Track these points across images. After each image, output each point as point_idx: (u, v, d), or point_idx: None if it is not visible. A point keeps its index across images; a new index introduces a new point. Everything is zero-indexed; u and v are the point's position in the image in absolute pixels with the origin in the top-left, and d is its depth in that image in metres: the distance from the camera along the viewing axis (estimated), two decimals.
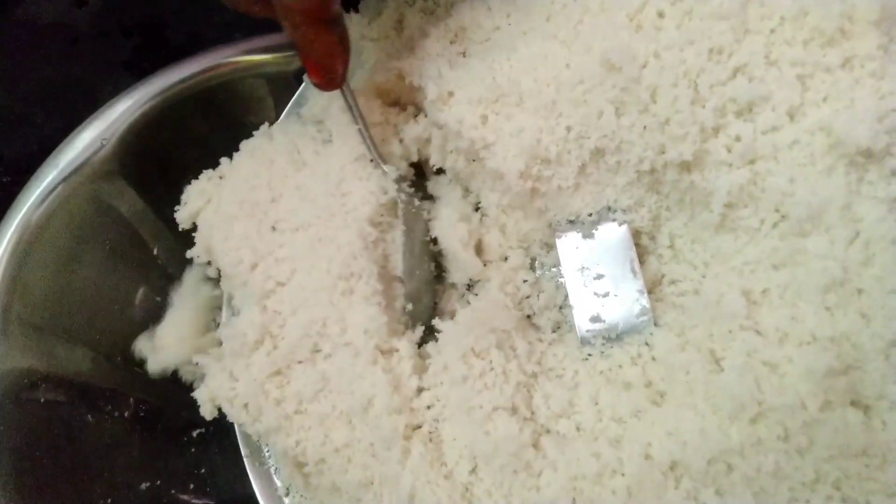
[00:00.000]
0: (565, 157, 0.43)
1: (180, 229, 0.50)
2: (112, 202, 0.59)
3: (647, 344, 0.43)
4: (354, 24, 0.52)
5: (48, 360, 0.54)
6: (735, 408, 0.37)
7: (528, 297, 0.48)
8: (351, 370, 0.43)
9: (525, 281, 0.48)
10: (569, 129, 0.43)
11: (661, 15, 0.41)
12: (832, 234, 0.38)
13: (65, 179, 0.55)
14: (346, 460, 0.43)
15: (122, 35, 0.65)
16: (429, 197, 0.52)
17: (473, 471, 0.41)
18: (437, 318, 0.47)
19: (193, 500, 0.57)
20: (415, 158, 0.51)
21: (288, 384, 0.44)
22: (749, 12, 0.40)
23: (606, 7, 0.43)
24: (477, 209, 0.51)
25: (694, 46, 0.40)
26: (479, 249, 0.50)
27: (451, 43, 0.48)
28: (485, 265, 0.49)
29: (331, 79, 0.42)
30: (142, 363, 0.55)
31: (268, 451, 0.49)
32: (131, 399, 0.59)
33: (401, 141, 0.50)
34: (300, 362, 0.44)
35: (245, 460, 0.49)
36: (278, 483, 0.48)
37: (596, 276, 0.44)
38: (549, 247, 0.48)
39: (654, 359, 0.42)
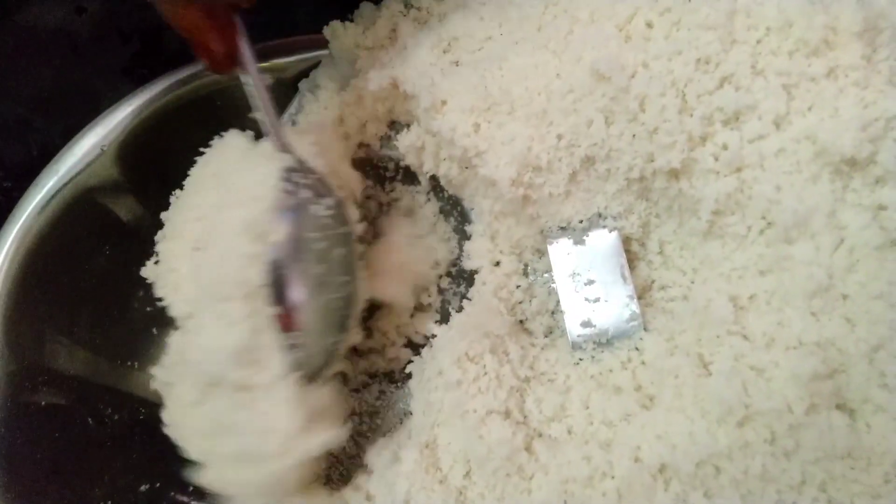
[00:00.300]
0: (556, 164, 0.44)
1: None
2: (111, 207, 0.60)
3: (636, 349, 0.43)
4: (349, 33, 0.53)
5: (48, 363, 0.55)
6: (723, 411, 0.38)
7: (520, 303, 0.48)
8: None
9: (518, 287, 0.49)
10: (559, 137, 0.43)
11: (649, 25, 0.42)
12: (817, 240, 0.38)
13: (65, 185, 0.56)
14: None
15: (121, 41, 0.65)
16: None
17: (467, 475, 0.42)
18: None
19: (193, 503, 0.58)
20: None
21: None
22: (736, 23, 0.40)
23: (596, 18, 0.43)
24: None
25: (682, 56, 0.40)
26: (469, 253, 0.50)
27: (444, 52, 0.49)
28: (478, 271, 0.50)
29: (212, 59, 0.40)
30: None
31: None
32: (131, 402, 0.59)
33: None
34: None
35: None
36: None
37: (587, 282, 0.45)
38: (541, 253, 0.48)
39: (643, 363, 0.43)
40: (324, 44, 0.55)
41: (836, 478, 0.38)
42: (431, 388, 0.44)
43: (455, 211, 0.53)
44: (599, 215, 0.46)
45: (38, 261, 0.55)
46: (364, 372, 0.54)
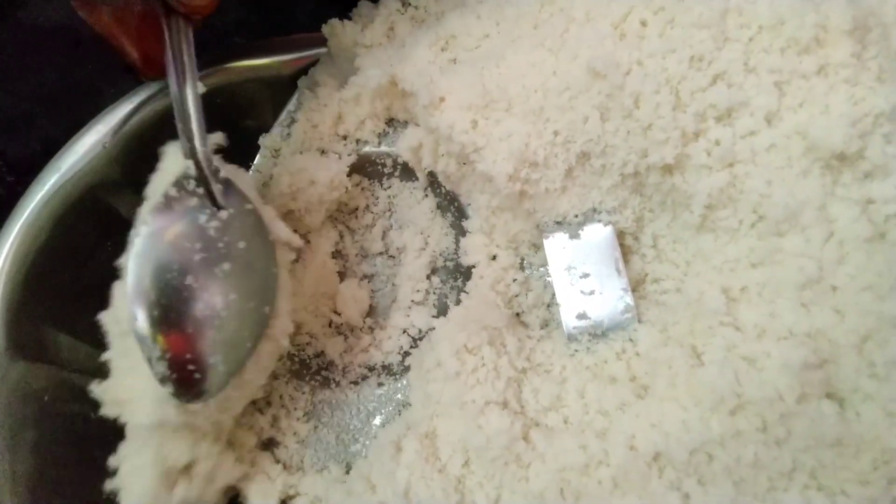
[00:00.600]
0: (552, 160, 0.45)
1: None
2: (114, 203, 0.60)
3: (631, 340, 0.44)
4: (348, 31, 0.54)
5: (51, 358, 0.55)
6: (715, 400, 0.39)
7: (517, 296, 0.49)
8: None
9: (514, 280, 0.49)
10: (556, 133, 0.44)
11: (643, 24, 0.43)
12: (808, 233, 0.39)
13: (67, 181, 0.56)
14: None
15: None
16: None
17: (466, 464, 0.43)
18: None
19: None
20: None
21: None
22: (728, 21, 0.41)
23: (592, 16, 0.44)
24: None
25: (675, 54, 0.41)
26: (466, 249, 0.51)
27: (441, 50, 0.50)
28: (475, 266, 0.50)
29: (131, 63, 0.41)
30: None
31: None
32: None
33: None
34: None
35: None
36: None
37: (582, 275, 0.46)
38: (537, 247, 0.49)
39: (637, 354, 0.43)
40: (322, 42, 0.56)
41: (826, 465, 0.38)
42: (430, 380, 0.45)
43: (452, 207, 0.54)
44: (594, 210, 0.46)
45: (41, 256, 0.55)
46: (363, 365, 0.54)
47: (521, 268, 0.50)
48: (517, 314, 0.49)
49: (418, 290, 0.54)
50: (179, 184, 0.42)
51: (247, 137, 0.58)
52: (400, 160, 0.55)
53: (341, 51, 0.54)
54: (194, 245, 0.40)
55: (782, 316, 0.39)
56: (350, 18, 0.55)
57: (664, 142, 0.41)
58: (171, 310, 0.39)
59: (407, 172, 0.56)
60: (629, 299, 0.45)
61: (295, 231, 0.55)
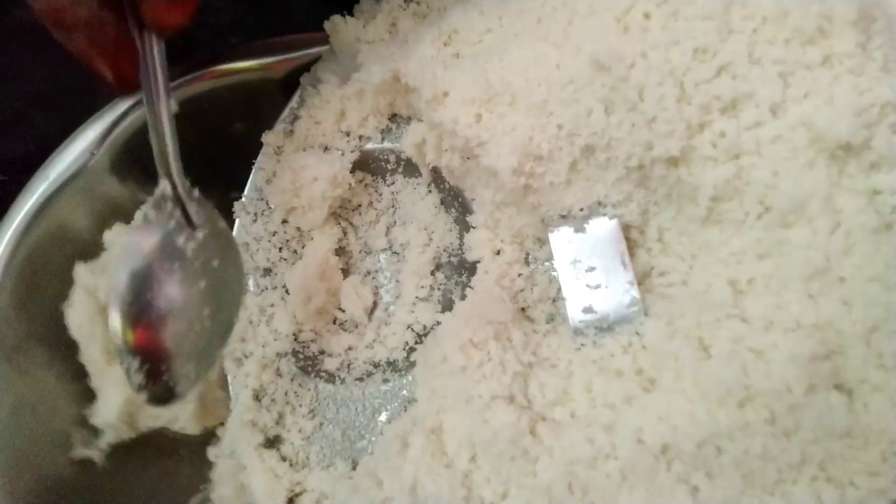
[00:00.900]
0: (557, 154, 0.44)
1: None
2: (109, 203, 0.60)
3: (637, 333, 0.44)
4: (350, 27, 0.54)
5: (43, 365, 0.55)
6: (723, 393, 0.39)
7: (522, 291, 0.49)
8: None
9: (519, 275, 0.49)
10: (560, 127, 0.44)
11: (647, 16, 0.42)
12: (814, 224, 0.39)
13: (64, 181, 0.56)
14: None
15: None
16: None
17: (473, 459, 0.42)
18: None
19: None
20: None
21: None
22: (732, 13, 0.41)
23: (595, 9, 0.44)
24: None
25: (679, 46, 0.41)
26: (471, 245, 0.51)
27: (444, 45, 0.49)
28: (480, 261, 0.50)
29: (105, 82, 0.42)
30: None
31: None
32: None
33: None
34: None
35: None
36: None
37: (588, 269, 0.46)
38: (542, 241, 0.49)
39: (644, 347, 0.43)
40: (320, 41, 0.56)
41: (834, 456, 0.38)
42: (436, 375, 0.45)
43: (456, 202, 0.54)
44: (599, 203, 0.46)
45: (35, 256, 0.55)
46: (367, 361, 0.54)
47: (527, 262, 0.50)
48: (522, 309, 0.49)
49: (423, 286, 0.54)
50: (157, 204, 0.44)
51: (249, 135, 0.58)
52: (403, 156, 0.54)
53: (343, 47, 0.54)
54: (173, 265, 0.43)
55: (789, 307, 0.39)
56: (352, 15, 0.54)
57: (669, 134, 0.41)
58: (150, 326, 0.42)
59: (410, 168, 0.56)
60: (635, 293, 0.45)
61: (298, 228, 0.55)
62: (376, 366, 0.54)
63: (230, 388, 0.54)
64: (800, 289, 0.39)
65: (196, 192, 0.45)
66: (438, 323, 0.50)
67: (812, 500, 0.38)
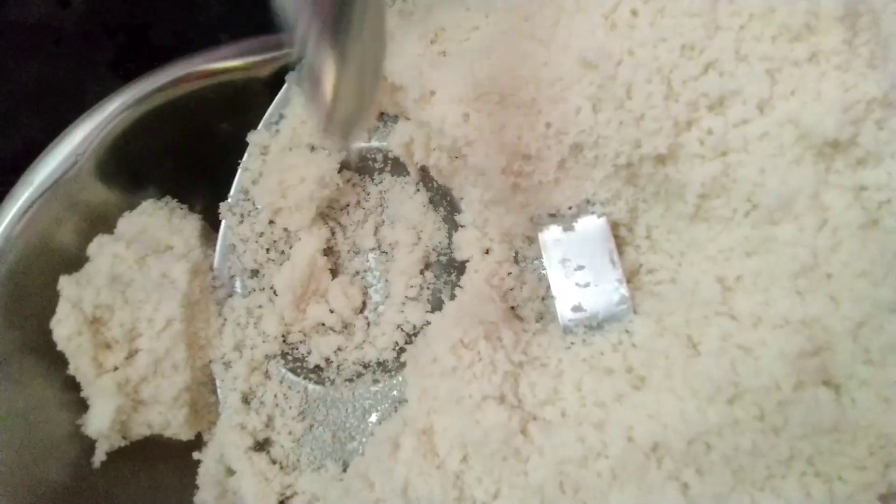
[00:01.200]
0: (545, 152, 0.44)
1: None
2: (97, 204, 0.59)
3: (626, 331, 0.44)
4: None
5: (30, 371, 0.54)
6: (712, 390, 0.39)
7: (511, 290, 0.49)
8: None
9: (509, 274, 0.49)
10: (548, 125, 0.44)
11: (634, 14, 0.42)
12: (801, 221, 0.39)
13: (51, 183, 0.55)
14: None
15: (106, 36, 0.65)
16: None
17: (464, 459, 0.42)
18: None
19: None
20: None
21: None
22: (719, 10, 0.41)
23: (582, 7, 0.44)
24: None
25: (667, 43, 0.41)
26: (460, 244, 0.51)
27: (431, 43, 0.49)
28: (469, 260, 0.50)
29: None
30: None
31: None
32: None
33: None
34: None
35: None
36: None
37: (577, 268, 0.46)
38: (531, 240, 0.49)
39: (633, 345, 0.43)
40: None
41: (823, 452, 0.39)
42: (426, 375, 0.45)
43: (445, 201, 0.54)
44: (588, 202, 0.46)
45: (22, 261, 0.55)
46: (357, 362, 0.54)
47: (516, 261, 0.50)
48: (512, 308, 0.49)
49: (412, 286, 0.54)
50: None
51: (234, 135, 0.57)
52: (391, 155, 0.54)
53: None
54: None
55: (777, 304, 0.39)
56: None
57: (657, 132, 0.41)
58: None
59: (398, 167, 0.55)
60: (624, 290, 0.45)
61: (285, 229, 0.54)
62: (366, 366, 0.54)
63: (219, 391, 0.54)
64: (787, 285, 0.39)
65: None
66: (428, 323, 0.50)
67: (801, 494, 0.38)
